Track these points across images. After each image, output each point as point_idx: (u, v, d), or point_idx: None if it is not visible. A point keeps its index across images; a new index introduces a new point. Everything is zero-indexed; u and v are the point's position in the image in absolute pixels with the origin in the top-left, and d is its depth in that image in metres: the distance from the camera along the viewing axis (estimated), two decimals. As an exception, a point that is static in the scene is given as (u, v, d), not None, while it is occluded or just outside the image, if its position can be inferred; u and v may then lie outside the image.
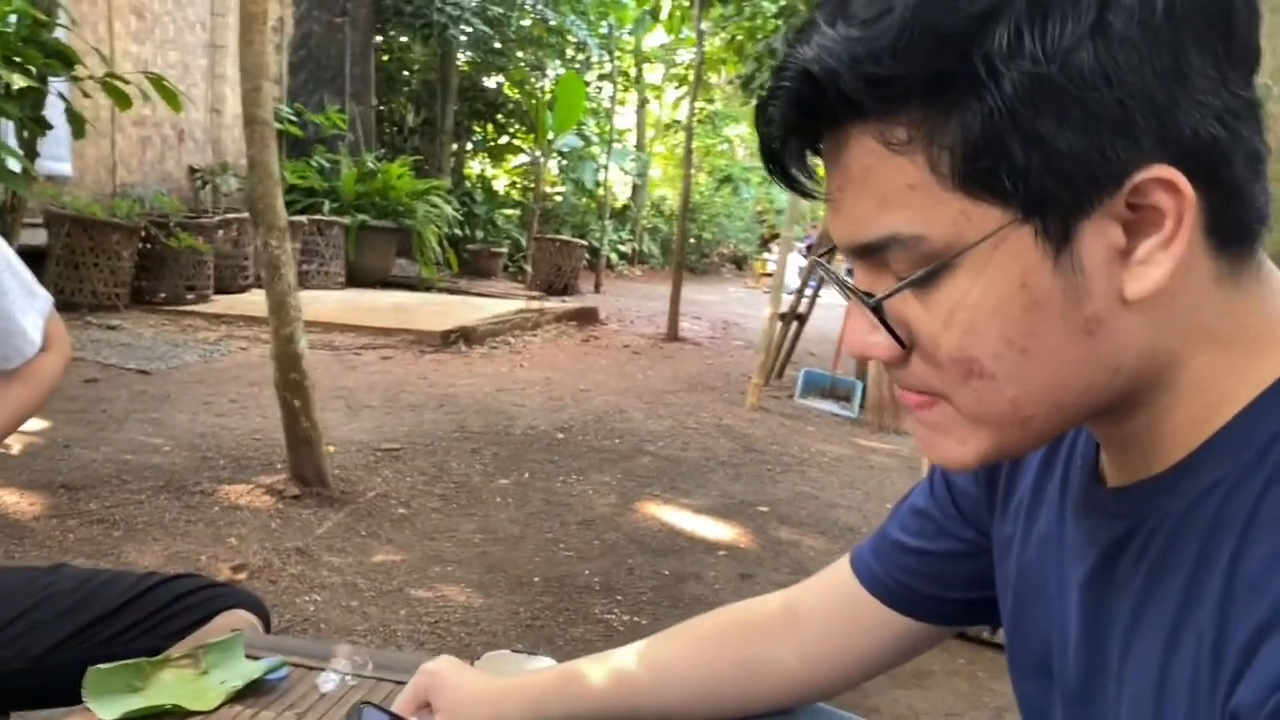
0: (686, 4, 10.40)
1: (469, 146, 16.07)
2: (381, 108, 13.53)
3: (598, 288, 13.28)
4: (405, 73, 14.58)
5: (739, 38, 10.39)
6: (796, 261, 11.40)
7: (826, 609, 0.92)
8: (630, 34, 17.07)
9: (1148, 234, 0.52)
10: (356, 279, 10.11)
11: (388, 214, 10.47)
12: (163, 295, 7.70)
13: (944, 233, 0.53)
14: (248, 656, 1.28)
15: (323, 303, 8.33)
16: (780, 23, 9.62)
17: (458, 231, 12.09)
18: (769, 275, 17.76)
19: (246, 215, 8.55)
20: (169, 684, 1.25)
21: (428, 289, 10.54)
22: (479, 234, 13.61)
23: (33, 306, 1.51)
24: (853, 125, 0.54)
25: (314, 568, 3.20)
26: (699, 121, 19.02)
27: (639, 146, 19.46)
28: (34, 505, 3.51)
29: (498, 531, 3.70)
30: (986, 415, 0.57)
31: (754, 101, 9.00)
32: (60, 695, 1.28)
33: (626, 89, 18.30)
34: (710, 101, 19.75)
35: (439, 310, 8.64)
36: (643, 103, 19.52)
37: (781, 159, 0.58)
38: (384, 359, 6.67)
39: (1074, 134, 0.50)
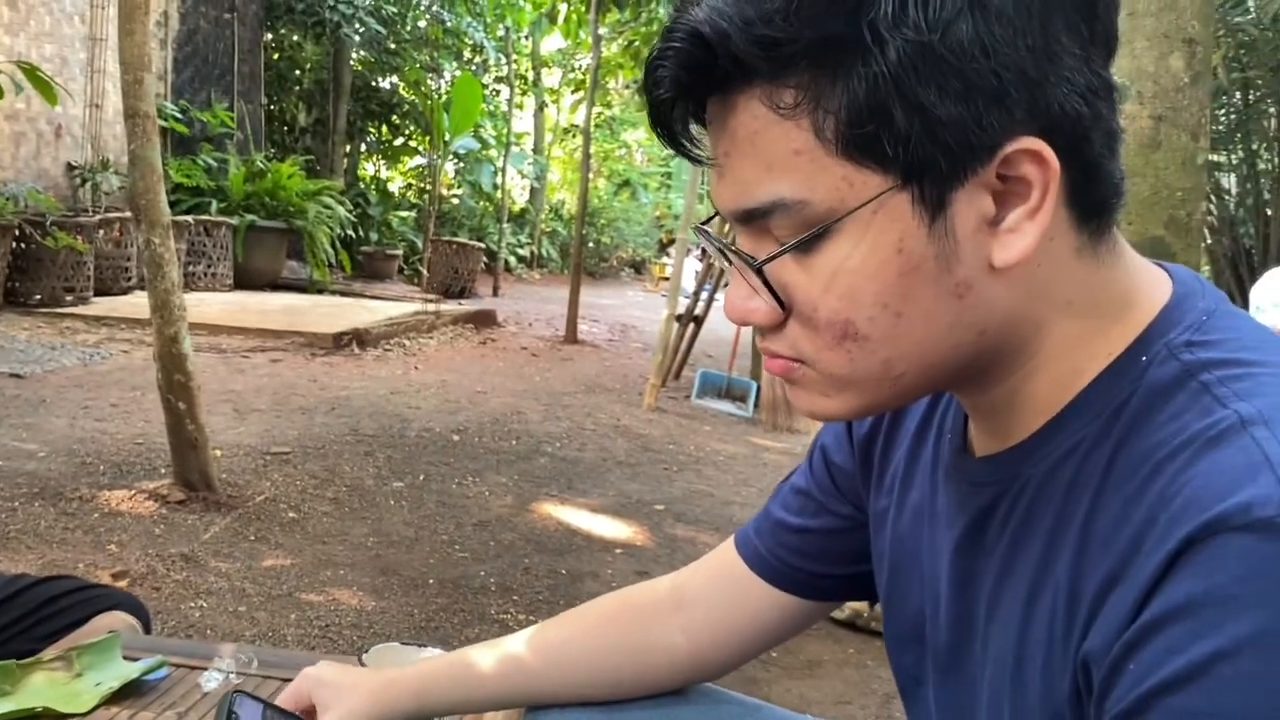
0: (583, 9, 10.42)
1: (363, 147, 15.80)
2: (272, 106, 13.20)
3: (496, 291, 13.19)
4: (296, 71, 14.26)
5: (636, 43, 10.47)
6: (693, 265, 11.51)
7: (712, 590, 0.93)
8: (528, 37, 17.03)
9: (1015, 205, 0.55)
10: (245, 281, 9.84)
11: (277, 214, 10.22)
12: (38, 297, 7.38)
13: (827, 198, 0.54)
14: (126, 658, 1.25)
15: (209, 305, 8.09)
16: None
17: (351, 233, 11.87)
18: (667, 279, 17.90)
19: (128, 214, 8.24)
20: (40, 687, 1.21)
21: (319, 291, 10.32)
22: (373, 236, 13.39)
23: None
24: (741, 89, 0.55)
25: (200, 573, 3.11)
26: (597, 126, 19.06)
27: (537, 150, 19.41)
28: (-106, 515, 3.33)
29: (391, 534, 3.65)
30: (857, 375, 0.58)
31: (650, 106, 9.09)
32: None
33: (524, 92, 18.23)
34: (608, 106, 19.84)
35: (331, 312, 8.47)
36: (541, 106, 19.49)
37: (669, 122, 0.58)
38: (273, 362, 6.51)
39: (953, 103, 0.52)
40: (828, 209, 0.54)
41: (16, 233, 7.22)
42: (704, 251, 11.26)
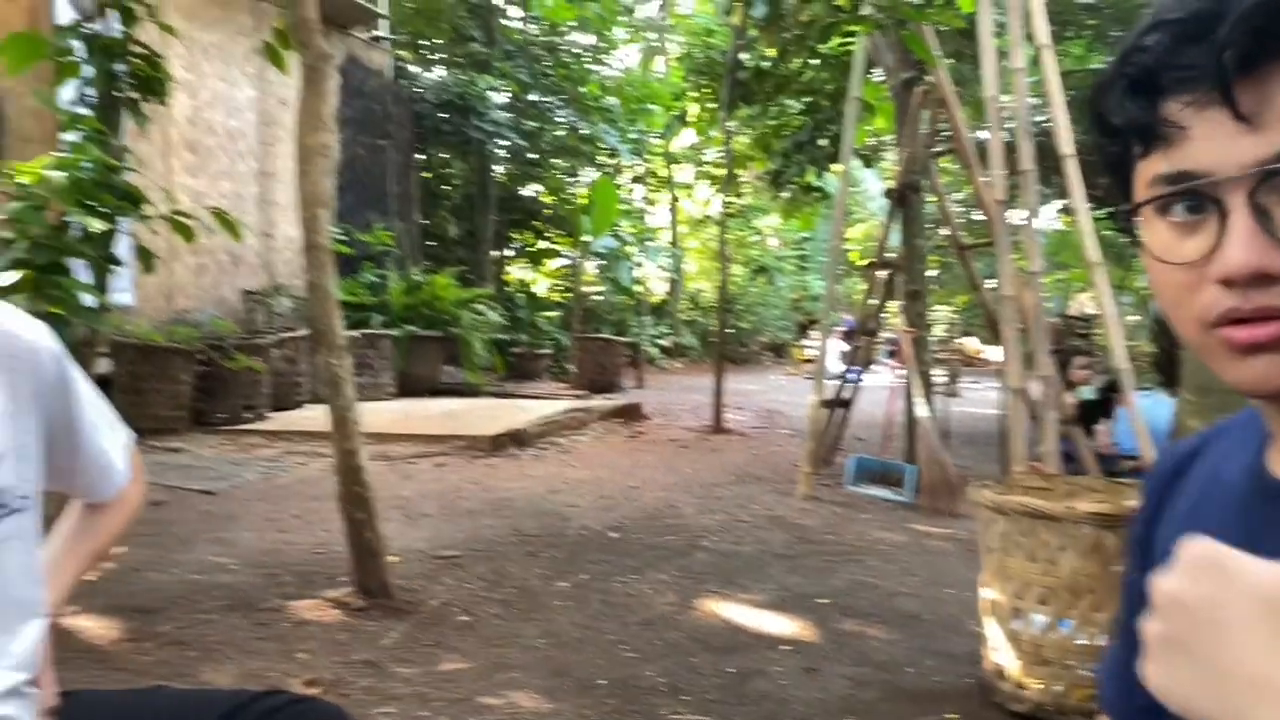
0: (713, 107, 10.73)
1: (508, 253, 16.47)
2: (424, 222, 13.96)
3: (640, 383, 13.41)
4: (445, 187, 15.07)
5: (766, 135, 10.68)
6: (837, 346, 11.44)
7: None
8: (659, 137, 17.55)
9: None
10: (407, 388, 10.33)
11: (435, 324, 10.75)
12: (221, 415, 7.93)
13: None
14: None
15: (376, 414, 8.49)
16: (806, 119, 9.89)
17: (502, 336, 12.34)
18: (809, 361, 17.81)
19: (300, 334, 8.84)
20: (270, 798, 1.31)
21: (475, 394, 10.72)
22: (522, 337, 13.87)
23: (117, 440, 1.60)
24: None
25: (384, 679, 3.25)
26: (730, 215, 19.35)
27: (672, 243, 19.81)
28: (110, 630, 3.60)
29: (560, 635, 3.73)
30: None
31: (783, 194, 8.99)
32: None
33: (658, 189, 18.70)
34: (739, 196, 20.14)
35: (488, 414, 8.78)
36: (674, 201, 19.94)
37: (1232, 79, 0.62)
38: (438, 466, 6.78)
39: None
40: None
41: (201, 357, 7.81)
42: (848, 333, 11.17)
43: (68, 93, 4.39)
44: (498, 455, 7.30)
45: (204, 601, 3.92)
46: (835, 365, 8.55)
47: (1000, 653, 3.23)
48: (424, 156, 14.11)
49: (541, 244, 16.73)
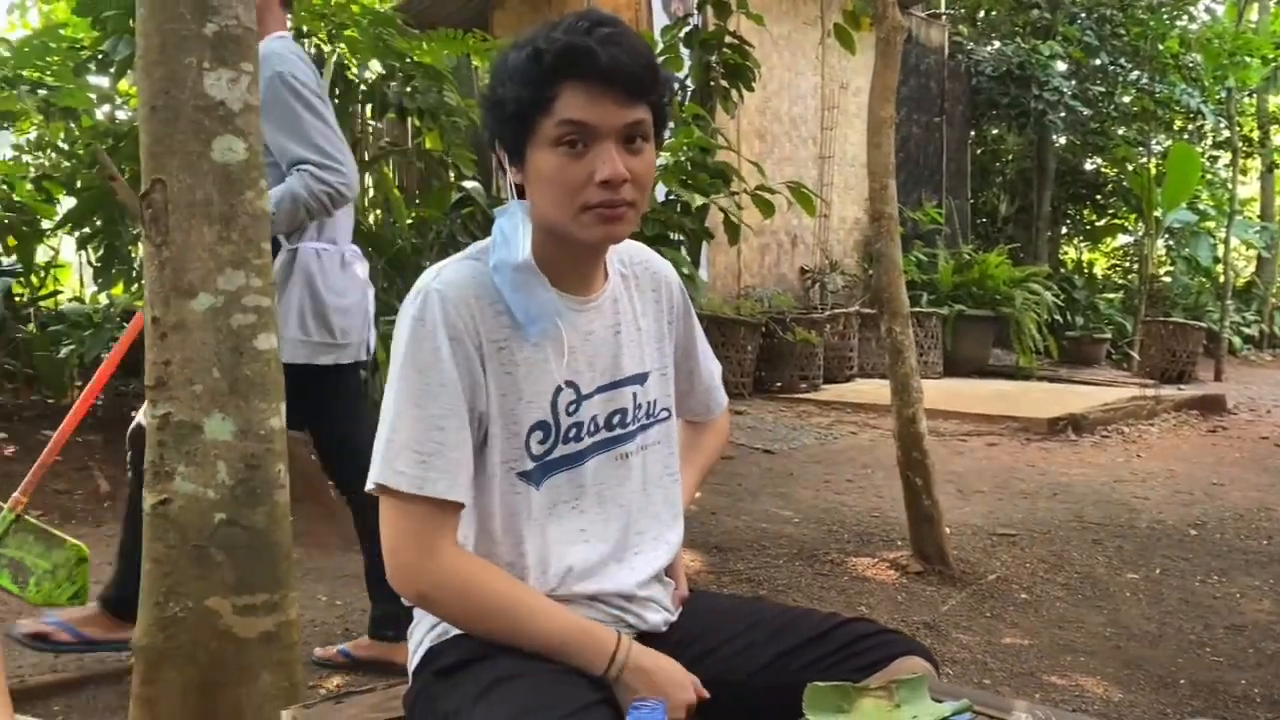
0: (1333, 50, 9.11)
1: (1064, 231, 15.50)
2: (974, 200, 13.63)
3: (1218, 375, 11.87)
4: (998, 163, 14.57)
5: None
6: None
7: None
8: (1253, 95, 15.30)
9: None
10: (953, 368, 10.20)
11: (984, 303, 10.46)
12: (779, 384, 8.48)
13: None
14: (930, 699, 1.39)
15: (925, 390, 8.51)
16: None
17: (1057, 318, 11.65)
18: None
19: (851, 310, 9.16)
20: (869, 711, 1.40)
21: (1026, 377, 10.27)
22: (1078, 320, 12.97)
23: (717, 369, 1.81)
24: None
25: (943, 643, 3.27)
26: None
27: (1264, 217, 17.21)
28: (695, 561, 4.05)
29: (1131, 627, 3.48)
30: None
31: None
32: (756, 715, 1.45)
33: (1250, 155, 16.33)
34: (1362, 158, 16.87)
35: (1042, 398, 8.37)
36: (1270, 168, 17.25)
37: None
38: (989, 445, 6.63)
39: None
40: None
41: (763, 329, 8.43)
42: None
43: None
44: (1053, 439, 6.94)
45: (770, 547, 4.25)
46: None
47: None
48: (975, 132, 13.76)
49: (1101, 221, 15.49)
